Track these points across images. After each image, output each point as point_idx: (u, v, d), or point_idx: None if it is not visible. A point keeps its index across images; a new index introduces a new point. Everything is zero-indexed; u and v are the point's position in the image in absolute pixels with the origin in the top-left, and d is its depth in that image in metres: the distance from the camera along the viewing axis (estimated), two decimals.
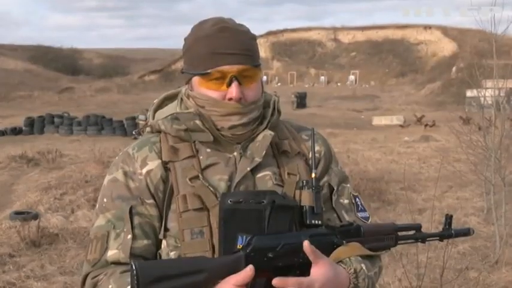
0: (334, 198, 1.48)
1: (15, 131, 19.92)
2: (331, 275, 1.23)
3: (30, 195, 8.57)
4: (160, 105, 1.53)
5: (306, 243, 1.21)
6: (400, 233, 1.45)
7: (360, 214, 1.50)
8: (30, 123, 20.45)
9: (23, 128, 20.31)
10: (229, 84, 1.36)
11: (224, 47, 1.35)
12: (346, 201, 1.50)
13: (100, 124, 20.09)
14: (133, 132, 1.56)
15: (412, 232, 1.48)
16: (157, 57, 61.92)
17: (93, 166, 10.50)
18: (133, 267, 1.12)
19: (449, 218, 1.50)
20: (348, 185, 1.54)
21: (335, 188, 1.49)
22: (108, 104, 33.44)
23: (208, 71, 1.36)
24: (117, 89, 43.36)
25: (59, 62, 53.58)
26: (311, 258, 1.21)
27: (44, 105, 32.47)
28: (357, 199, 1.53)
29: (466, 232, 1.53)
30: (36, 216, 7.14)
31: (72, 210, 7.66)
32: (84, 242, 6.33)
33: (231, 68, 1.35)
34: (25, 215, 7.18)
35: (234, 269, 1.18)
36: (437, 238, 1.50)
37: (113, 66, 58.14)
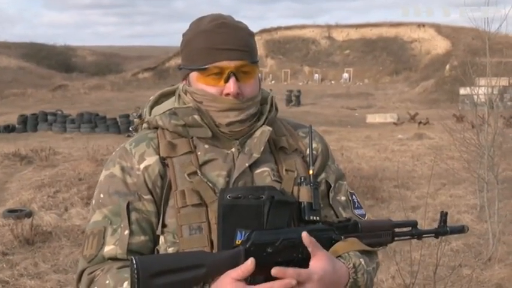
0: (331, 195, 1.48)
1: (9, 129, 19.83)
2: (329, 268, 1.23)
3: (24, 193, 8.54)
4: (156, 102, 1.53)
5: (304, 234, 1.21)
6: (396, 230, 1.46)
7: (356, 211, 1.51)
8: (24, 120, 20.36)
9: (16, 125, 20.22)
10: (227, 80, 1.36)
11: (223, 42, 1.35)
12: (343, 198, 1.51)
13: (94, 122, 20.03)
14: (130, 129, 1.55)
15: (408, 229, 1.49)
16: (152, 54, 61.77)
17: (86, 164, 10.47)
18: (134, 262, 1.11)
19: (444, 215, 1.51)
20: (345, 183, 1.54)
21: (332, 185, 1.50)
22: (101, 102, 33.34)
23: (206, 66, 1.36)
24: (111, 86, 43.23)
25: (52, 59, 53.35)
26: (310, 250, 1.22)
27: (38, 102, 32.36)
28: (353, 196, 1.54)
29: (460, 229, 1.54)
30: (29, 214, 7.12)
31: (66, 208, 7.64)
32: (77, 239, 6.31)
33: (229, 64, 1.35)
34: (18, 213, 7.15)
35: (234, 264, 1.18)
36: (433, 235, 1.51)
37: (107, 63, 57.94)
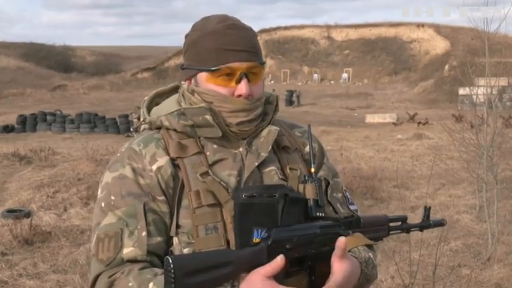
0: (329, 192, 1.51)
1: (8, 129, 19.85)
2: (350, 268, 1.27)
3: (23, 193, 8.54)
4: (151, 102, 1.52)
5: (343, 239, 1.24)
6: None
7: (351, 207, 1.55)
8: (23, 121, 20.38)
9: (15, 125, 20.24)
10: (238, 81, 1.37)
11: (233, 43, 1.36)
12: (339, 194, 1.55)
13: (93, 122, 20.05)
14: (131, 129, 1.55)
15: (399, 223, 1.55)
16: (151, 54, 61.82)
17: (85, 164, 10.47)
18: (170, 261, 1.11)
19: (427, 210, 1.58)
20: (339, 180, 1.59)
21: (330, 182, 1.53)
22: (100, 102, 33.37)
23: (218, 67, 1.36)
24: (110, 86, 43.26)
25: (52, 59, 53.41)
26: (340, 253, 1.24)
27: (37, 102, 32.39)
28: (346, 193, 1.59)
29: (440, 223, 1.62)
30: (28, 214, 7.12)
31: (65, 208, 7.64)
32: (77, 240, 6.32)
33: (241, 65, 1.36)
34: (17, 213, 7.14)
35: (257, 261, 1.19)
36: (418, 228, 1.57)
37: (106, 63, 57.98)
